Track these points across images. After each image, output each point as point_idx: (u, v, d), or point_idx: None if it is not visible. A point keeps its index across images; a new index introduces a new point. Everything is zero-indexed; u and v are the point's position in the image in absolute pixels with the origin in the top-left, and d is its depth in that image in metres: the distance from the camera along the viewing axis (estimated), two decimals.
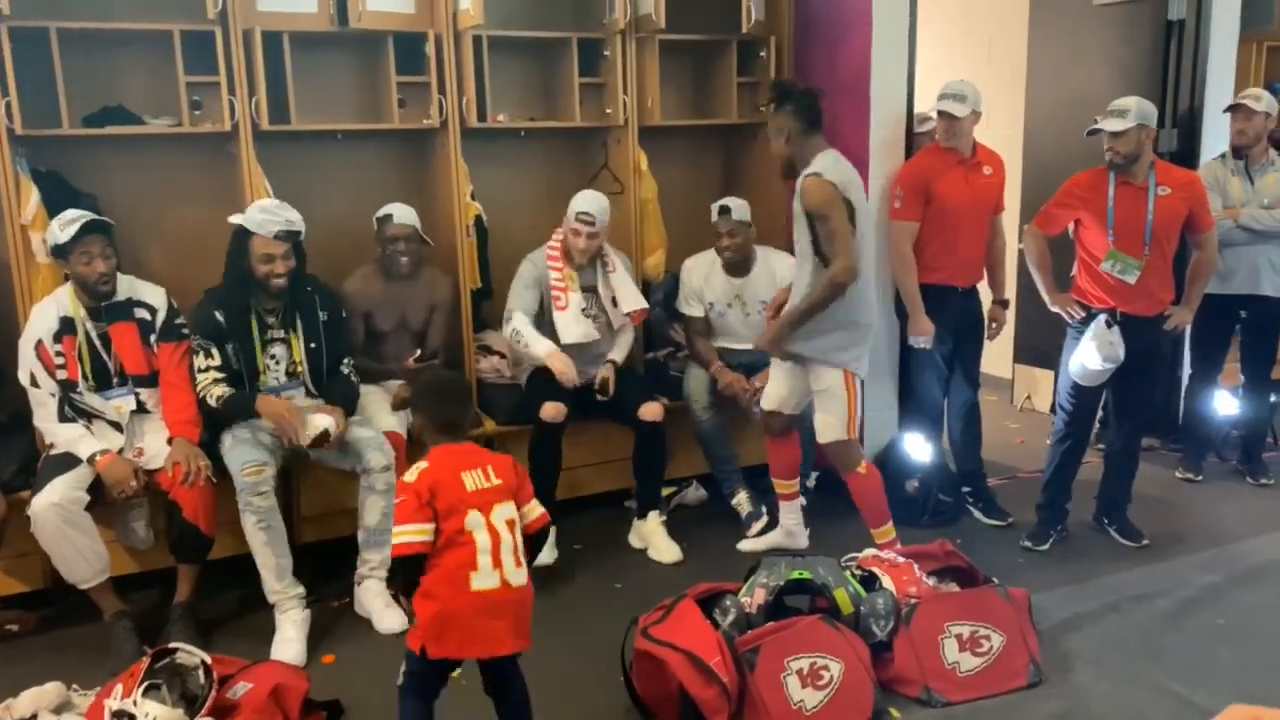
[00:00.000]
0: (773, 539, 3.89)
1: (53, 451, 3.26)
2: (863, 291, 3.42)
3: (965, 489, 4.24)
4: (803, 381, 3.58)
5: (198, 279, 3.50)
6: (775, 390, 3.68)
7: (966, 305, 4.09)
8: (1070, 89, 5.17)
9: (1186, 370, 4.81)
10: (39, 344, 3.23)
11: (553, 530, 3.79)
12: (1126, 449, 3.89)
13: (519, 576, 2.33)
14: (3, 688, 2.91)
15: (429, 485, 2.28)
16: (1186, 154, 4.74)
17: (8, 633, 3.34)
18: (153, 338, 3.34)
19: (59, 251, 3.20)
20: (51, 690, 2.88)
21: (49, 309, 3.27)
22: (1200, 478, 4.59)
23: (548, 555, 3.72)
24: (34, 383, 3.26)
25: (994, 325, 4.16)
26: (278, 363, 3.42)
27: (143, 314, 3.33)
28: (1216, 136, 4.67)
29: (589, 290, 3.97)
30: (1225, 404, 4.65)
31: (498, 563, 2.28)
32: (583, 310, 3.92)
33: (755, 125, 4.57)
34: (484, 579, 2.27)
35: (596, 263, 3.98)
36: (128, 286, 3.34)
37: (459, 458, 2.36)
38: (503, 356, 4.20)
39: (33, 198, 3.38)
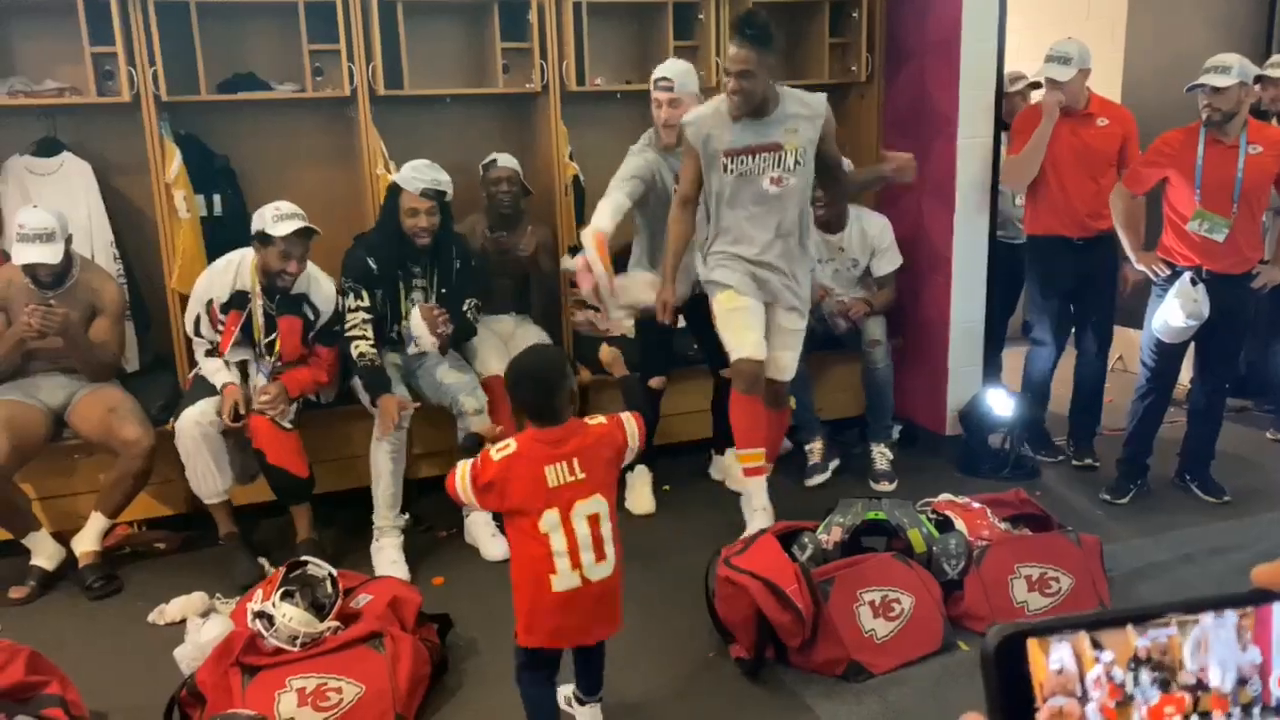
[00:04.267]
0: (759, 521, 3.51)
1: (198, 374, 3.55)
2: None
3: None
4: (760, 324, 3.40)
5: (320, 233, 3.78)
6: (759, 336, 3.36)
7: (1087, 258, 4.07)
8: (1171, 46, 5.11)
9: None
10: (210, 303, 3.47)
11: (649, 477, 4.05)
12: (1210, 406, 3.91)
13: (600, 571, 2.30)
14: (155, 596, 3.30)
15: (503, 478, 2.25)
16: None
17: (156, 550, 3.72)
18: (310, 335, 3.56)
19: (264, 238, 3.34)
20: (197, 598, 3.26)
21: (226, 276, 3.46)
22: None
23: (648, 505, 3.96)
24: (198, 331, 3.51)
25: (1125, 283, 4.20)
26: (415, 306, 3.69)
27: (308, 312, 3.54)
28: None
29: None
30: None
31: (576, 564, 2.26)
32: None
33: (846, 85, 4.67)
34: (563, 581, 2.26)
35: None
36: (303, 281, 3.50)
37: (547, 448, 2.27)
38: (597, 310, 4.41)
39: (175, 159, 3.71)
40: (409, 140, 4.17)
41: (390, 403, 3.44)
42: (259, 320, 3.50)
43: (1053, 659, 0.52)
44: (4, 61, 3.82)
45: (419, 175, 3.51)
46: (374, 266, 3.56)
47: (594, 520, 2.29)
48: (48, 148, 3.79)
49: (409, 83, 4.03)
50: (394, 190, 3.56)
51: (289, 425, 3.47)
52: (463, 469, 2.31)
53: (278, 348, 3.53)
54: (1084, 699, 0.52)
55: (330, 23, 3.83)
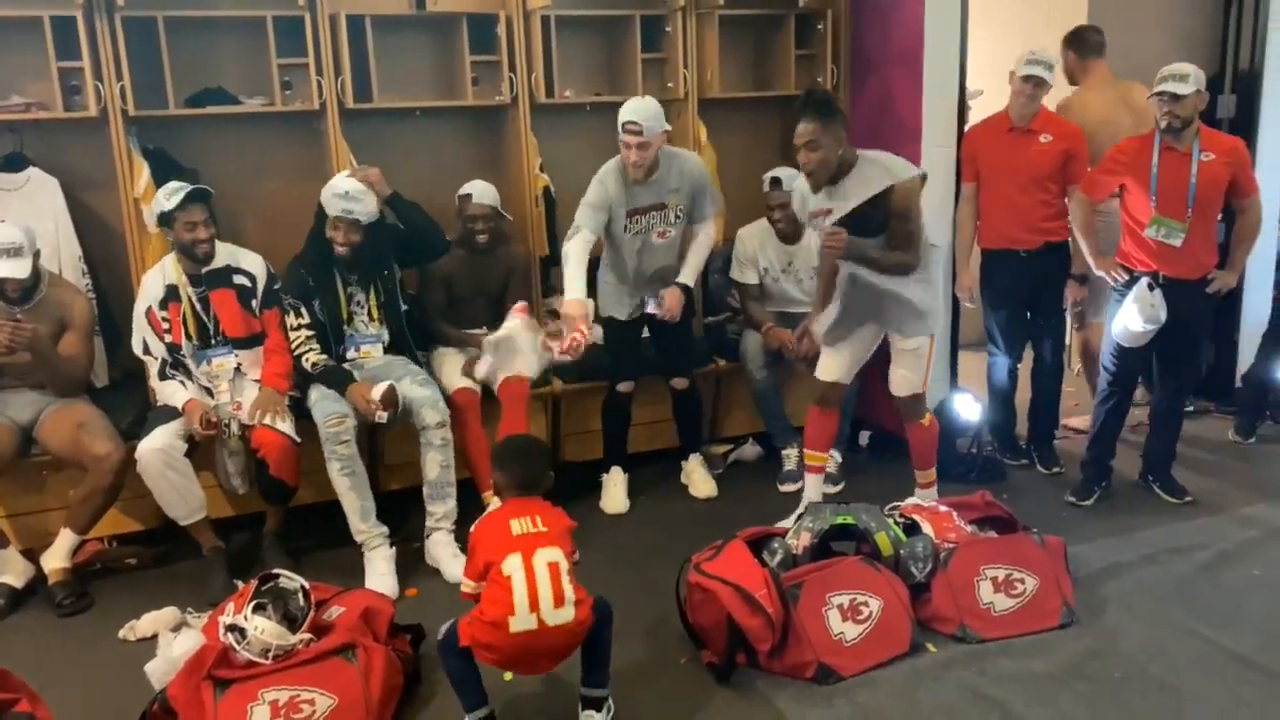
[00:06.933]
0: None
1: (158, 404, 3.59)
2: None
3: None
4: (863, 349, 3.67)
5: (289, 246, 3.79)
6: (838, 361, 3.68)
7: (1037, 268, 4.15)
8: (1129, 57, 5.17)
9: (1245, 335, 4.86)
10: (149, 311, 3.56)
11: (624, 479, 4.09)
12: (1170, 408, 3.99)
13: (559, 616, 2.42)
14: (126, 612, 3.29)
15: (476, 542, 2.54)
16: (1245, 120, 4.77)
17: (127, 566, 3.71)
18: (254, 303, 3.63)
19: (165, 220, 3.48)
20: (168, 613, 3.25)
21: (156, 278, 3.59)
22: (1253, 440, 4.66)
23: (620, 505, 4.07)
24: (146, 350, 3.58)
25: (1071, 300, 4.25)
26: (361, 307, 3.74)
27: (241, 280, 3.63)
28: (1278, 102, 4.70)
29: (655, 209, 3.88)
30: None
31: (534, 606, 2.40)
32: (654, 231, 3.90)
33: None
34: (521, 622, 2.41)
35: (658, 175, 3.85)
36: (227, 254, 3.63)
37: (515, 509, 2.56)
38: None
39: (144, 173, 3.71)
40: (378, 153, 4.18)
41: (358, 391, 3.53)
42: (195, 308, 3.56)
43: None
44: None
45: (332, 201, 3.58)
46: (310, 279, 3.65)
47: (554, 567, 2.45)
48: (14, 163, 3.78)
49: (378, 96, 4.05)
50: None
51: (296, 437, 3.51)
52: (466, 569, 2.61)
53: (223, 329, 3.60)
54: None
55: (299, 37, 3.85)
